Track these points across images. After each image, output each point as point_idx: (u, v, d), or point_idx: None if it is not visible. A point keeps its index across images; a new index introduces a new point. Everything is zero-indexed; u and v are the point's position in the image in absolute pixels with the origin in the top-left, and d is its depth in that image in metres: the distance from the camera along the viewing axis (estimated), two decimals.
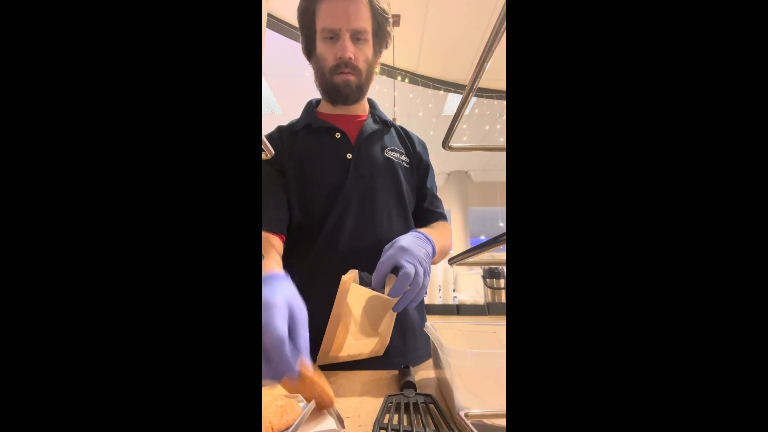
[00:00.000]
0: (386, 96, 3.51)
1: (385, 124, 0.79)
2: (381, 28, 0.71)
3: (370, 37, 0.70)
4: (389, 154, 0.75)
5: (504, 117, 4.15)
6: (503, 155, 0.28)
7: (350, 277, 0.52)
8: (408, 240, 0.58)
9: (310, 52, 0.74)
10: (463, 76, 3.32)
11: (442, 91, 3.49)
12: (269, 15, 2.50)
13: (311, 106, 0.80)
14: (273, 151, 0.47)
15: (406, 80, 3.24)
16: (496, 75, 2.99)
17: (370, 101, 0.82)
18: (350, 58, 0.68)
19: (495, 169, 6.17)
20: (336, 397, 0.47)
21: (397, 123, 0.85)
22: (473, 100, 3.83)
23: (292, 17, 2.57)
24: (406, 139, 0.81)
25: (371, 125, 0.77)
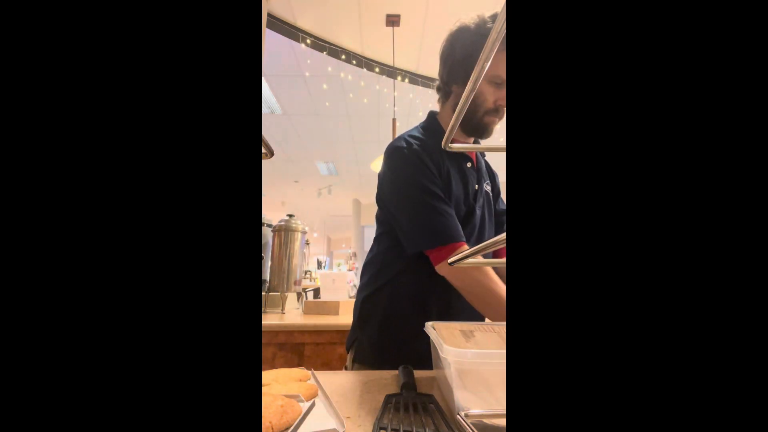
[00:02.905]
0: (386, 96, 3.51)
1: (481, 157, 0.91)
2: None
3: None
4: (486, 188, 0.88)
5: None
6: (503, 155, 0.28)
7: None
8: None
9: (463, 81, 0.78)
10: None
11: None
12: (269, 15, 2.49)
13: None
14: (273, 152, 0.47)
15: (406, 80, 3.23)
16: None
17: None
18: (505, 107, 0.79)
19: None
20: (336, 397, 0.47)
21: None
22: None
23: (292, 17, 2.57)
24: (487, 170, 0.92)
25: (480, 159, 0.89)
